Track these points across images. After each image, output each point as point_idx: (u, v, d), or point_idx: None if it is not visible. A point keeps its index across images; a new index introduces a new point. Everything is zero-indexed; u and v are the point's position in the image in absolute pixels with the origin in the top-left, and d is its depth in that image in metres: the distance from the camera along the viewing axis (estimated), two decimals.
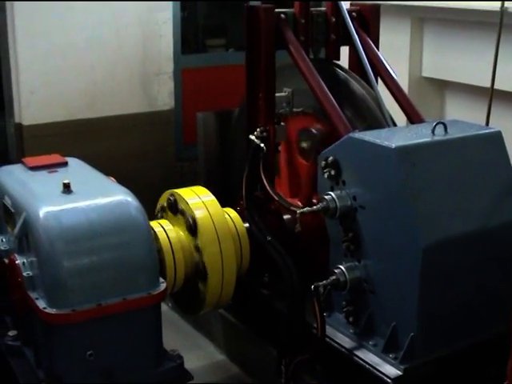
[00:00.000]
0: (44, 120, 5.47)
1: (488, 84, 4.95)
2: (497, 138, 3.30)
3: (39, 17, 5.37)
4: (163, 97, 5.94)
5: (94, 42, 5.61)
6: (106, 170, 3.73)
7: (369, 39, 4.12)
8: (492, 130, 3.35)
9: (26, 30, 5.35)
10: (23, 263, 3.16)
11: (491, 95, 4.97)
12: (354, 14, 4.16)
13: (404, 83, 5.80)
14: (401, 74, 5.53)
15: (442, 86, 6.22)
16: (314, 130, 3.99)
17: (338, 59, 4.19)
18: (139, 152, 5.80)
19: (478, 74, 5.42)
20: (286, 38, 3.90)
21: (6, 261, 3.30)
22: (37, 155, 3.91)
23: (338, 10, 4.05)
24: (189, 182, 4.36)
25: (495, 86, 4.98)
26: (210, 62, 6.55)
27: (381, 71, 4.04)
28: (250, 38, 3.94)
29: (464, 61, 5.74)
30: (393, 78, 4.01)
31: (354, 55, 4.14)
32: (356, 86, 4.00)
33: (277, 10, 3.92)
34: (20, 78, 5.41)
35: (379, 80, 4.06)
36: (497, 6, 4.87)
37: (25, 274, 3.12)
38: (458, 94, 6.11)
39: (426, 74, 6.19)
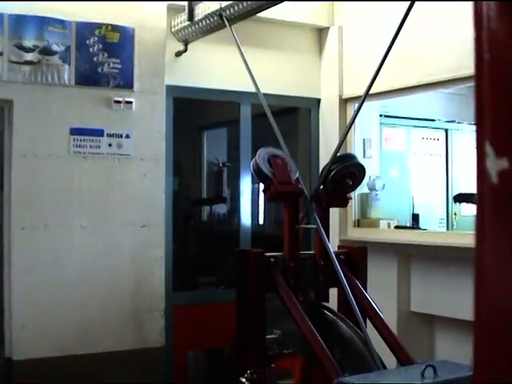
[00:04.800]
0: (34, 355, 5.39)
1: None
2: None
3: (35, 247, 5.47)
4: (154, 334, 5.88)
5: (87, 277, 5.64)
6: None
7: (356, 280, 4.22)
8: None
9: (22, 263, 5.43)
10: None
11: None
12: (341, 256, 4.29)
13: (393, 318, 5.88)
14: (390, 309, 5.64)
15: (430, 321, 6.28)
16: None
17: (327, 301, 4.27)
18: None
19: (465, 309, 5.49)
20: (275, 281, 3.99)
21: None
22: None
23: (326, 253, 4.18)
24: None
25: None
26: (201, 299, 6.59)
27: (369, 312, 4.10)
28: (240, 281, 4.04)
29: (451, 295, 5.83)
30: (381, 318, 4.07)
31: (342, 296, 4.21)
32: (344, 327, 4.05)
33: (267, 253, 4.05)
34: (13, 312, 5.40)
35: (367, 321, 4.11)
36: None
37: None
38: (446, 328, 6.15)
39: (414, 308, 6.27)
